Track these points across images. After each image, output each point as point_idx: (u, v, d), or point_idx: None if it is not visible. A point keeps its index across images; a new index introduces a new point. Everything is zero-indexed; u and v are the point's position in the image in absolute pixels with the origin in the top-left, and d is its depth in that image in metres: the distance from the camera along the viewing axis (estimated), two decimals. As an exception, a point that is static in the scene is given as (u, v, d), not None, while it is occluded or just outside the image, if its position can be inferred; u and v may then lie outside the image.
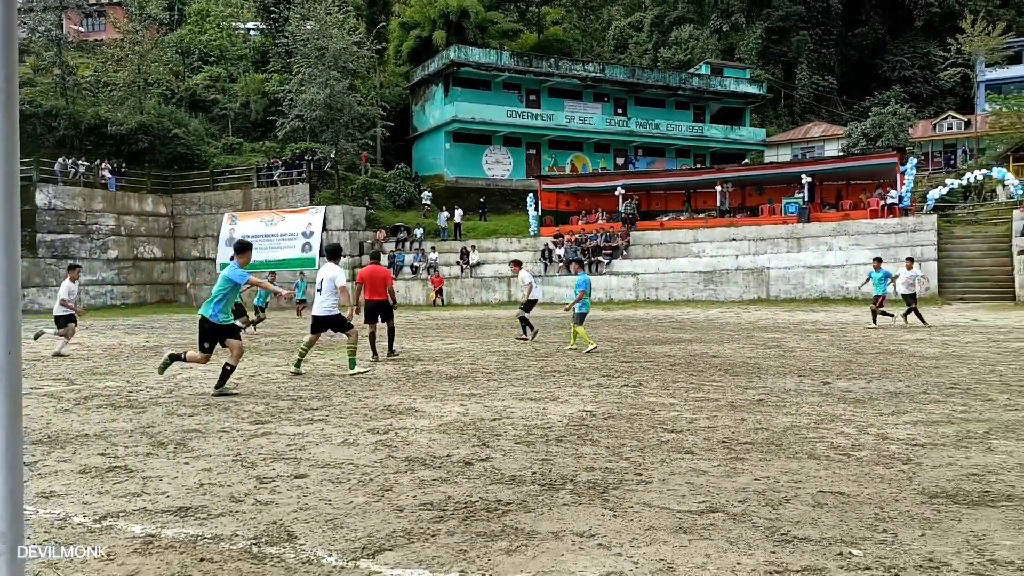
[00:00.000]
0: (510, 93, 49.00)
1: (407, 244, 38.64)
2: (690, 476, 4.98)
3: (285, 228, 38.77)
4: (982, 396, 8.04)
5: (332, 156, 41.00)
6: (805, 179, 34.30)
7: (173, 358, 9.39)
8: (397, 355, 13.05)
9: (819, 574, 3.32)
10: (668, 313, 26.05)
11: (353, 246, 38.52)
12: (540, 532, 3.91)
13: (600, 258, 34.09)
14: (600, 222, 37.40)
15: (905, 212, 31.71)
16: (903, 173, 32.49)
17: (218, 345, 9.08)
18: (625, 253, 34.14)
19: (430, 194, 42.65)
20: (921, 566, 3.40)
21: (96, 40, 51.22)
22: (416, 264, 37.00)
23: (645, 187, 40.76)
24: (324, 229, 38.17)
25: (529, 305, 16.10)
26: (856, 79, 65.24)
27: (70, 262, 24.34)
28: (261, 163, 42.91)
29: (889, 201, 32.15)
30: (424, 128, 49.51)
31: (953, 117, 54.93)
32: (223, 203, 40.81)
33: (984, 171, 34.45)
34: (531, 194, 39.55)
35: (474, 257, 36.28)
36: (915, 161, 34.50)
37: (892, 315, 18.43)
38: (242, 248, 9.33)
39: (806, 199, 34.16)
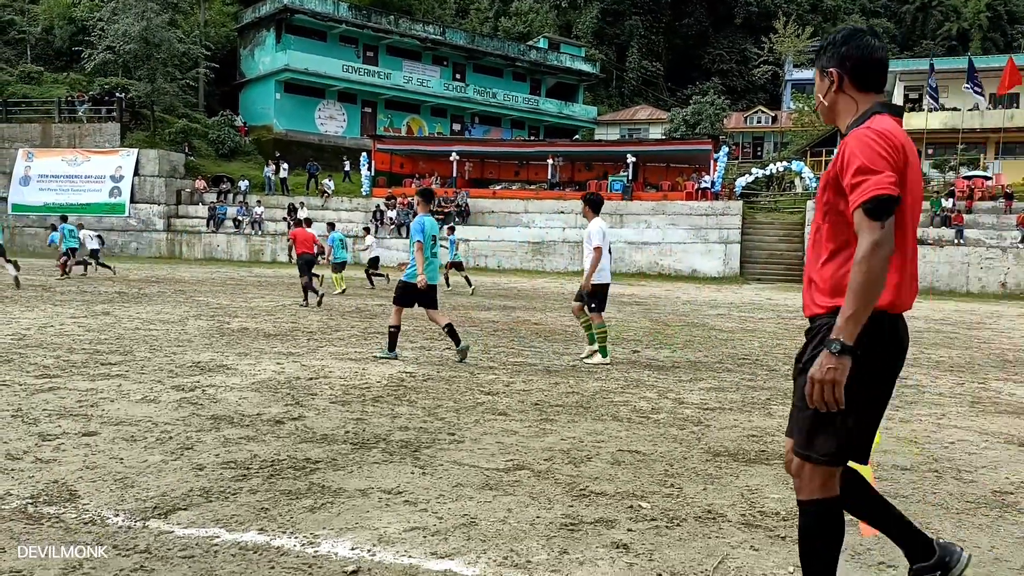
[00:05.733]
0: (347, 47, 47.39)
1: (230, 196, 36.64)
2: (501, 436, 5.13)
3: (91, 170, 35.52)
4: (767, 366, 8.85)
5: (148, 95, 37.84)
6: (630, 159, 35.96)
7: None
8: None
9: (610, 525, 3.54)
10: (496, 280, 26.49)
11: (169, 194, 36.02)
12: (347, 490, 3.88)
13: (431, 223, 33.99)
14: (434, 187, 37.26)
15: (716, 196, 34.07)
16: (716, 160, 34.88)
17: None
18: (458, 220, 34.29)
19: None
20: (700, 517, 3.70)
21: None
22: (239, 218, 35.19)
23: (480, 155, 41.05)
24: (136, 174, 35.39)
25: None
26: (681, 67, 68.90)
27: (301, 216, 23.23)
28: (65, 96, 38.90)
29: (703, 185, 34.40)
30: (253, 75, 46.86)
31: (762, 112, 59.42)
32: (18, 137, 36.60)
33: (785, 163, 37.62)
34: (365, 153, 38.66)
35: (302, 214, 34.96)
36: (727, 150, 37.12)
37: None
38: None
39: (630, 178, 35.82)
